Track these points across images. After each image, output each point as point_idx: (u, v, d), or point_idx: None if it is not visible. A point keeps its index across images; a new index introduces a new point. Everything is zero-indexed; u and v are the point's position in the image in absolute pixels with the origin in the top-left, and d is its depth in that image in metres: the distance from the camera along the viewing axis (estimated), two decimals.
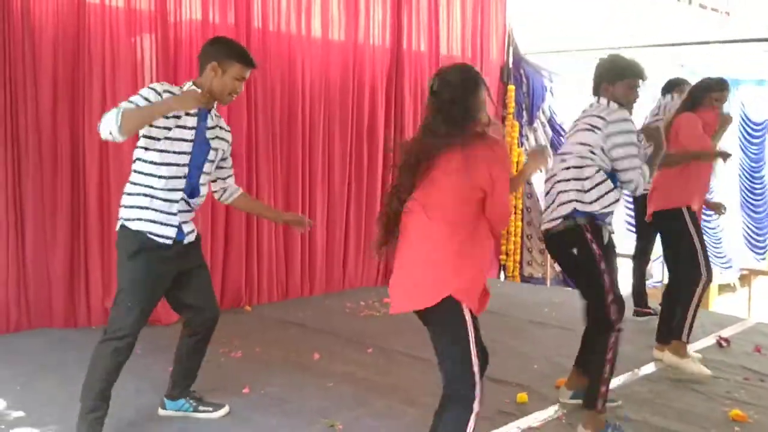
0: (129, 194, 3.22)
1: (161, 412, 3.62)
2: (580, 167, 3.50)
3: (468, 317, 2.64)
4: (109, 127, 2.93)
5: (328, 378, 4.19)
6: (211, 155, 3.33)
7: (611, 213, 3.59)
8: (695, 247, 4.48)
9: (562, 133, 8.78)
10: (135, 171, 3.20)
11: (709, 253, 4.60)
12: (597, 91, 3.69)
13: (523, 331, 5.36)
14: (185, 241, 3.31)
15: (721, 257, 10.95)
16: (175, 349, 3.59)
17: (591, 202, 3.48)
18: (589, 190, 3.48)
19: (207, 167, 3.32)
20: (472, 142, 2.63)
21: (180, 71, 5.46)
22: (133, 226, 3.17)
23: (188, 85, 3.25)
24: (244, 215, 5.78)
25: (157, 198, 3.18)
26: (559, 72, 8.62)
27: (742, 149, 11.84)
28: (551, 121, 8.72)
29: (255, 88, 5.90)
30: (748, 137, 11.91)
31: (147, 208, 3.17)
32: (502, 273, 8.11)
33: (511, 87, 8.01)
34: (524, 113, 8.16)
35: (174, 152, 3.17)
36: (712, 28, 12.11)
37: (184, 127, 3.19)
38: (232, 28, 5.73)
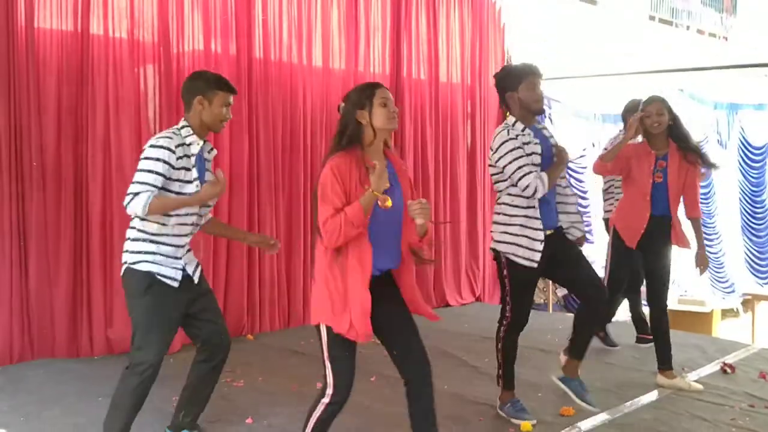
0: (134, 240, 3.26)
1: None
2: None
3: (324, 336, 2.90)
4: (135, 209, 3.09)
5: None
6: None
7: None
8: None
9: None
10: (141, 218, 3.22)
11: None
12: (504, 103, 3.98)
13: (527, 358, 5.32)
14: (192, 277, 3.38)
15: (724, 282, 10.93)
16: (184, 379, 3.56)
17: None
18: None
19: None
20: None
21: (182, 101, 5.48)
22: (141, 267, 3.23)
23: (182, 123, 3.34)
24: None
25: (165, 244, 3.26)
26: (557, 98, 8.68)
27: (743, 173, 11.87)
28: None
29: (257, 117, 5.93)
30: (748, 161, 11.93)
31: (154, 253, 3.24)
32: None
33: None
34: None
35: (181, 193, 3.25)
36: (711, 53, 12.20)
37: (191, 180, 3.26)
38: (233, 58, 5.78)
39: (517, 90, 3.86)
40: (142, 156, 3.21)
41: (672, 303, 8.96)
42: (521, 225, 3.81)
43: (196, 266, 3.43)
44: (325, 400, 2.96)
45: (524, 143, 3.81)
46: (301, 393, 4.43)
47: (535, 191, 3.73)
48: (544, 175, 3.78)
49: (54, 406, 4.12)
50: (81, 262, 5.12)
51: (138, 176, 3.15)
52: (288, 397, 4.33)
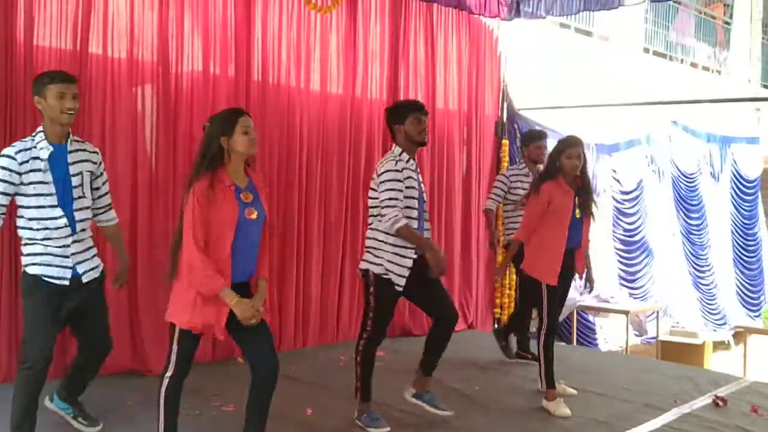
0: (24, 244, 3.59)
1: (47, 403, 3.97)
2: None
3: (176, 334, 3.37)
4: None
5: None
6: (75, 181, 3.58)
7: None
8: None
9: None
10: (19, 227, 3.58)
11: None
12: (393, 136, 4.36)
13: (519, 387, 5.31)
14: (84, 280, 3.63)
15: (715, 314, 10.94)
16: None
17: None
18: None
19: (76, 192, 3.59)
20: None
21: (180, 122, 5.51)
22: (30, 270, 3.54)
23: (38, 128, 3.56)
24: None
25: (51, 246, 3.52)
26: (553, 127, 8.72)
27: (735, 206, 11.94)
28: None
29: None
30: (740, 194, 12.02)
31: (41, 254, 3.51)
32: (496, 326, 8.06)
33: (506, 141, 8.08)
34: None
35: (40, 195, 3.48)
36: (704, 86, 12.31)
37: (47, 181, 3.49)
38: (232, 80, 5.80)
39: (403, 123, 4.26)
40: None
41: (664, 334, 8.99)
42: (393, 246, 4.15)
43: (93, 269, 3.66)
44: (168, 373, 3.43)
45: (405, 177, 4.19)
46: (291, 418, 4.39)
47: (392, 225, 4.07)
48: (406, 222, 4.11)
49: (45, 425, 4.06)
50: None
51: None
52: (277, 423, 4.27)
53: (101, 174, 3.80)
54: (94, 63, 5.14)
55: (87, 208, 3.67)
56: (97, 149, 3.83)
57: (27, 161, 3.45)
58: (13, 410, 3.58)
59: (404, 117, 4.27)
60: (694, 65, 13.55)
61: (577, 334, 8.65)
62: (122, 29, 5.26)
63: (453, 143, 7.53)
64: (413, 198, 4.22)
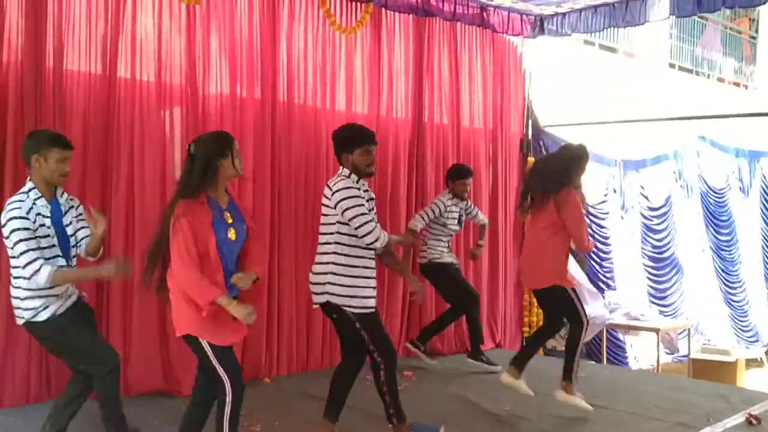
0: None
1: None
2: None
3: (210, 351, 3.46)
4: (39, 281, 3.60)
5: None
6: (69, 231, 3.84)
7: None
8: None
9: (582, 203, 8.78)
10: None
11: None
12: (340, 161, 4.23)
13: (548, 406, 5.25)
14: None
15: (747, 331, 10.75)
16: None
17: None
18: None
19: (72, 240, 3.87)
20: None
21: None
22: (43, 317, 3.72)
23: (29, 185, 3.74)
24: (267, 282, 5.80)
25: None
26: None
27: (765, 221, 11.76)
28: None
29: (279, 158, 5.97)
30: None
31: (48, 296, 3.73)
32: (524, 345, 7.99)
33: (531, 159, 8.04)
34: None
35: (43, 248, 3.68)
36: (732, 101, 12.19)
37: (49, 235, 3.73)
38: (258, 102, 5.85)
39: (352, 153, 4.15)
40: (6, 228, 3.62)
41: (696, 352, 8.85)
42: (359, 268, 4.11)
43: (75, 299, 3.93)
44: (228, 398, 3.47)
45: (366, 200, 4.14)
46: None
47: (375, 241, 4.03)
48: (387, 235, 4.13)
49: None
50: (101, 304, 5.11)
51: (20, 247, 3.58)
52: None
53: (81, 213, 4.00)
54: (122, 87, 5.21)
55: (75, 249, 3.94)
56: (75, 198, 4.06)
57: (35, 219, 3.67)
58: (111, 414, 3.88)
59: (355, 146, 4.15)
60: (720, 80, 13.44)
61: (607, 352, 8.54)
62: (150, 53, 5.33)
63: (479, 161, 7.51)
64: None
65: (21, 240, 3.58)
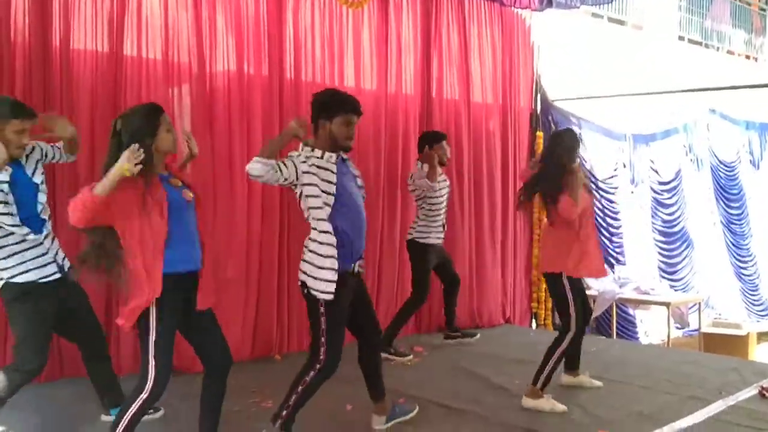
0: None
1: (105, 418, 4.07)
2: None
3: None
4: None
5: (362, 430, 4.14)
6: (42, 188, 3.77)
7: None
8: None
9: (592, 178, 8.75)
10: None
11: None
12: (315, 129, 3.77)
13: (557, 381, 5.24)
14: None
15: (759, 305, 10.73)
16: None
17: None
18: None
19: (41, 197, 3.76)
20: None
21: (216, 121, 5.53)
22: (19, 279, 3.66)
23: None
24: (277, 261, 5.83)
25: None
26: (588, 118, 8.63)
27: None
28: (581, 167, 8.67)
29: None
30: None
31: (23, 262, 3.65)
32: (533, 321, 7.99)
33: (540, 133, 8.00)
34: None
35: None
36: (742, 73, 12.07)
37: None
38: (266, 79, 5.81)
39: (331, 121, 3.73)
40: None
41: (707, 326, 8.84)
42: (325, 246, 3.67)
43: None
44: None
45: (318, 167, 3.65)
46: (331, 414, 4.39)
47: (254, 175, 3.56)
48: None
49: (83, 424, 4.12)
50: (110, 283, 5.10)
51: None
52: (317, 418, 4.28)
53: (49, 150, 3.90)
54: (129, 64, 5.18)
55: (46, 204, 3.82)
56: (34, 143, 3.83)
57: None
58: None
59: (334, 113, 3.73)
60: (730, 52, 13.31)
61: (617, 327, 8.53)
62: (156, 30, 5.30)
63: (489, 136, 7.47)
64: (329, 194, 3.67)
65: None
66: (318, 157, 3.70)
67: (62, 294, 3.80)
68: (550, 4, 7.57)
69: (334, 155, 3.74)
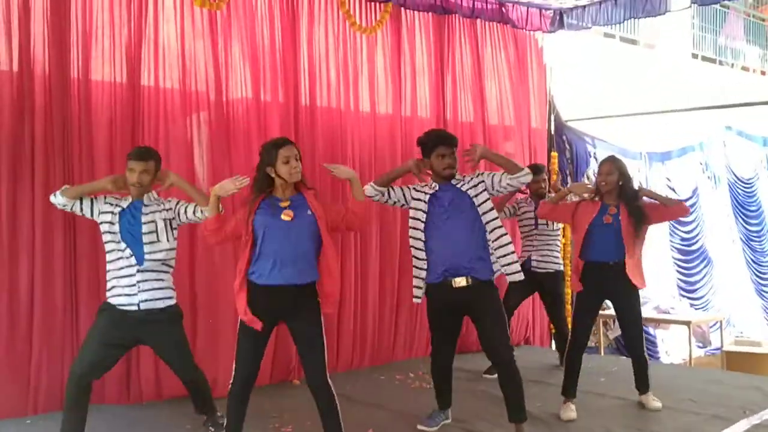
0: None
1: None
2: None
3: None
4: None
5: None
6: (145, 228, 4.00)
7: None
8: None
9: None
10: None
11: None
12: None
13: (580, 402, 5.20)
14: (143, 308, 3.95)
15: None
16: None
17: None
18: None
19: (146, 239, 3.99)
20: None
21: (233, 148, 5.58)
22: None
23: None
24: None
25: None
26: (603, 138, 8.62)
27: None
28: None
29: (304, 161, 5.91)
30: None
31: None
32: (553, 342, 7.93)
33: (554, 154, 7.99)
34: (569, 180, 8.10)
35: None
36: (756, 89, 12.04)
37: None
38: (283, 106, 5.87)
39: (429, 157, 4.34)
40: None
41: (729, 344, 8.74)
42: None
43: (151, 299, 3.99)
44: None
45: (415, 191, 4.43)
46: None
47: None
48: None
49: None
50: None
51: None
52: None
53: (172, 208, 4.18)
54: (146, 94, 5.24)
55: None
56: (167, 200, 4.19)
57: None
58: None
59: (429, 151, 4.34)
60: (745, 68, 13.28)
61: None
62: (174, 60, 5.36)
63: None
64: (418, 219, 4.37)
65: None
66: (422, 187, 4.44)
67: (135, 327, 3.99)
68: (561, 25, 7.61)
69: (436, 184, 4.36)
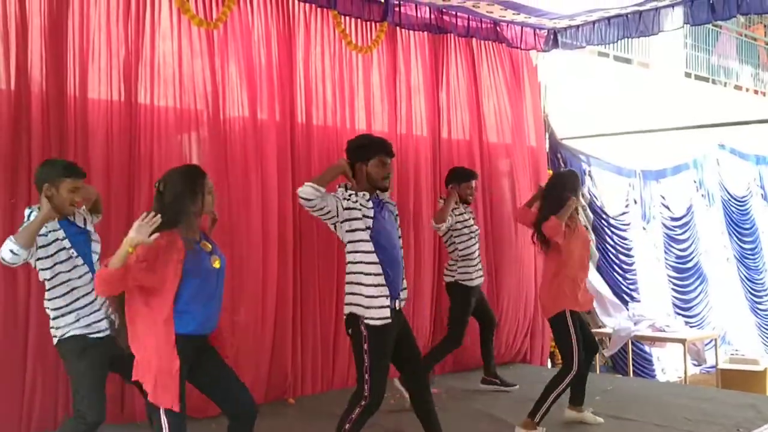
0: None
1: None
2: None
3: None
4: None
5: None
6: (95, 237, 3.91)
7: None
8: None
9: (603, 215, 8.76)
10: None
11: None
12: (353, 171, 4.01)
13: (574, 421, 5.20)
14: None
15: None
16: None
17: None
18: None
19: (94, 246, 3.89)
20: None
21: (230, 165, 5.59)
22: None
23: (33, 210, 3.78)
24: (291, 303, 5.86)
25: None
26: (598, 156, 8.67)
27: None
28: (591, 205, 8.71)
29: (301, 179, 5.94)
30: None
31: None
32: (549, 361, 7.93)
33: (550, 171, 8.02)
34: None
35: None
36: (749, 108, 12.13)
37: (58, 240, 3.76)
38: (279, 124, 5.89)
39: (366, 163, 3.98)
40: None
41: (724, 362, 8.75)
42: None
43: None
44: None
45: (361, 204, 3.93)
46: None
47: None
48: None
49: None
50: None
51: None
52: None
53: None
54: (143, 112, 5.25)
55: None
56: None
57: (46, 235, 3.76)
58: None
59: (369, 156, 3.99)
60: (738, 87, 13.39)
61: (633, 365, 8.47)
62: (170, 78, 5.38)
63: (503, 176, 7.51)
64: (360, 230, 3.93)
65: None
66: (356, 196, 3.95)
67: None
68: (555, 44, 7.68)
69: (368, 194, 3.97)
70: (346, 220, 3.92)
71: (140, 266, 3.09)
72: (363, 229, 3.90)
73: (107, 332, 3.81)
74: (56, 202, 3.71)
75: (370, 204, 3.96)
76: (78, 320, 3.75)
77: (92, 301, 3.79)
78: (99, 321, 3.81)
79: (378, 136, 4.36)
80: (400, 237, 4.16)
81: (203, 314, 3.33)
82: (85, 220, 3.96)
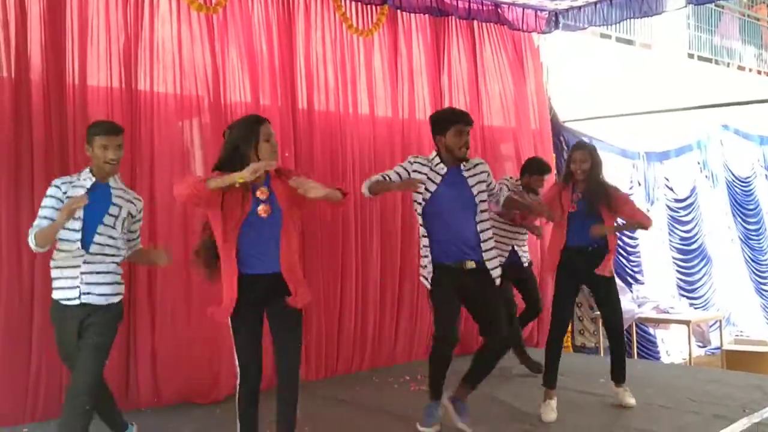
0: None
1: None
2: None
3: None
4: (31, 246, 3.60)
5: None
6: (113, 210, 3.76)
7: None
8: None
9: None
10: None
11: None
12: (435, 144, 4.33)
13: (578, 404, 5.20)
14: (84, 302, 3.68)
15: None
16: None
17: None
18: None
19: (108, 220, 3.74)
20: None
21: None
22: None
23: (88, 168, 3.78)
24: None
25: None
26: (601, 138, 8.61)
27: None
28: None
29: (303, 165, 5.96)
30: None
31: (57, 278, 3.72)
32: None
33: (553, 155, 7.98)
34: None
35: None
36: (753, 88, 12.05)
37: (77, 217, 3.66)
38: (281, 110, 5.86)
39: (444, 135, 4.22)
40: None
41: (729, 343, 8.74)
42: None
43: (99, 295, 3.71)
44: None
45: (419, 171, 4.24)
46: None
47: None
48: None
49: None
50: (127, 314, 5.12)
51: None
52: None
53: (139, 220, 3.98)
54: (143, 98, 5.22)
55: (112, 237, 3.76)
56: (140, 198, 3.99)
57: (67, 192, 3.68)
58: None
59: (446, 128, 4.24)
60: (741, 68, 13.30)
61: (637, 347, 8.46)
62: (170, 64, 5.35)
63: (506, 159, 7.47)
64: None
65: (40, 208, 3.68)
66: (432, 163, 4.29)
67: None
68: (557, 26, 7.62)
69: (445, 166, 4.26)
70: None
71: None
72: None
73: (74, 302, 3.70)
74: (95, 161, 3.73)
75: (438, 176, 4.23)
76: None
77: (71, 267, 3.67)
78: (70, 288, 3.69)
79: (453, 108, 4.77)
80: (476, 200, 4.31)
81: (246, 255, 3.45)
82: (121, 193, 3.83)
